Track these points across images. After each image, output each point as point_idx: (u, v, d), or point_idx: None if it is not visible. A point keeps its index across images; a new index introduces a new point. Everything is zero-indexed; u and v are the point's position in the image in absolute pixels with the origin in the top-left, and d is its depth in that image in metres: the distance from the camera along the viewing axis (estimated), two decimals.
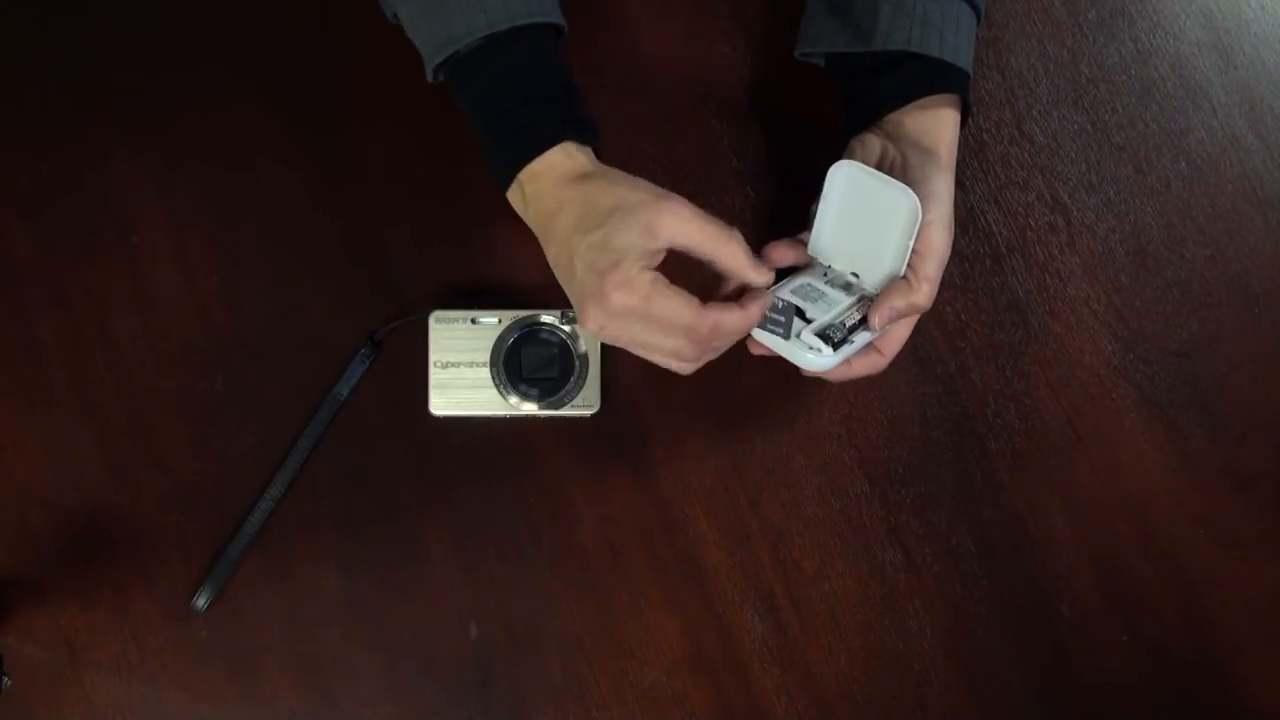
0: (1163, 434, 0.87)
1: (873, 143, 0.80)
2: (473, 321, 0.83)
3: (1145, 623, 0.85)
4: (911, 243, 0.74)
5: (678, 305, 0.69)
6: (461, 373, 0.83)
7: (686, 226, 0.70)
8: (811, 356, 0.74)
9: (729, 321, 0.71)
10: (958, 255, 0.87)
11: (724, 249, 0.71)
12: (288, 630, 0.83)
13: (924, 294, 0.75)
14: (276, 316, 0.85)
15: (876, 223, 0.75)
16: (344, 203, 0.86)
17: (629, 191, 0.70)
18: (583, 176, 0.72)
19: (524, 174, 0.73)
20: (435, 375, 0.83)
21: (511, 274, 0.86)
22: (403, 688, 0.83)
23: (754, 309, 0.72)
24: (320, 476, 0.84)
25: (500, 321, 0.83)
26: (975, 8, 0.79)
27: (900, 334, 0.78)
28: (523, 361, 0.83)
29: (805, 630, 0.84)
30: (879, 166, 0.79)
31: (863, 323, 0.76)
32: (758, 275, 0.72)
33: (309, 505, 0.84)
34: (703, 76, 0.88)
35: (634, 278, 0.68)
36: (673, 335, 0.71)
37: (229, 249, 0.85)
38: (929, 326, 0.86)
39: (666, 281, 0.69)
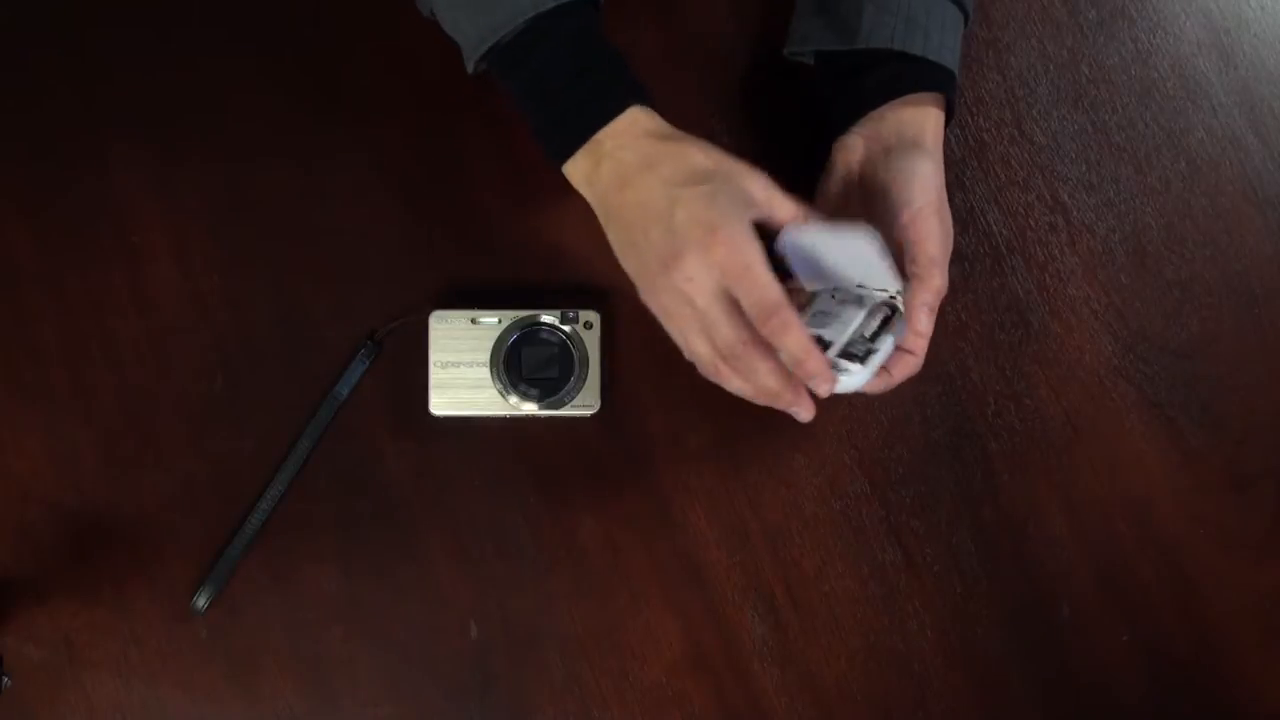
0: (1163, 434, 0.87)
1: (855, 143, 0.80)
2: (473, 321, 0.83)
3: (1145, 623, 0.85)
4: (888, 263, 0.73)
5: (773, 281, 0.70)
6: (461, 373, 0.83)
7: (772, 193, 0.72)
8: (845, 378, 0.74)
9: (797, 332, 0.71)
10: (957, 255, 0.87)
11: (799, 210, 0.73)
12: (288, 630, 0.83)
13: (939, 277, 0.76)
14: (276, 316, 0.85)
15: (850, 258, 0.75)
16: (345, 202, 0.86)
17: (722, 156, 0.72)
18: (669, 136, 0.74)
19: (602, 133, 0.73)
20: (435, 375, 0.83)
21: (511, 274, 0.86)
22: (403, 688, 0.83)
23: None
24: (320, 476, 0.84)
25: (500, 321, 0.83)
26: (963, 9, 0.79)
27: (922, 329, 0.78)
28: (523, 361, 0.83)
29: (805, 630, 0.84)
30: (861, 165, 0.79)
31: (884, 327, 0.76)
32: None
33: (309, 505, 0.84)
34: (703, 76, 0.88)
35: (744, 241, 0.69)
36: (736, 318, 0.70)
37: (229, 249, 0.85)
38: None
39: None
